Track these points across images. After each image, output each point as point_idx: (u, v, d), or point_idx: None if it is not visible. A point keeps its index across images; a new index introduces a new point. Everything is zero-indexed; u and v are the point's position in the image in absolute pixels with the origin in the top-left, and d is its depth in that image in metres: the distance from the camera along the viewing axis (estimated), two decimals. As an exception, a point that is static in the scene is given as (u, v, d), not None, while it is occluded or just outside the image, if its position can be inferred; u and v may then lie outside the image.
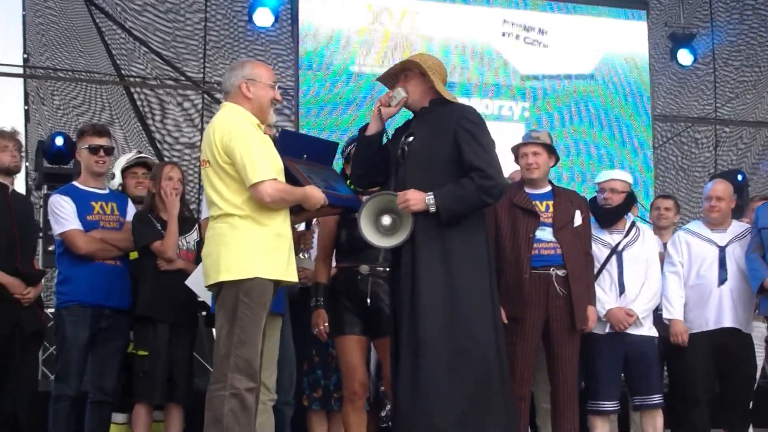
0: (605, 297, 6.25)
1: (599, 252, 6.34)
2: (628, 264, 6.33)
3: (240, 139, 4.67)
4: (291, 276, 4.84)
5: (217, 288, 4.73)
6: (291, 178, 4.85)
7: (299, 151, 5.02)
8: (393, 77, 5.22)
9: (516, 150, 6.14)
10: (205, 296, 5.40)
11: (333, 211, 5.29)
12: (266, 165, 4.67)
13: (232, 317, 4.62)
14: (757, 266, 6.44)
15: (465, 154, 4.85)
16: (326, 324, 5.71)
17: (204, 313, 6.32)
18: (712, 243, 6.69)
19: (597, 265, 6.31)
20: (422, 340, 4.76)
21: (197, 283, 5.45)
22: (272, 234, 4.74)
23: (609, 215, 6.43)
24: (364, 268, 5.65)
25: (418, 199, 4.82)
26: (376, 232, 4.95)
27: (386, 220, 4.92)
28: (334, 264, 5.93)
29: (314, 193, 4.80)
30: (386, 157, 5.14)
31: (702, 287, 6.61)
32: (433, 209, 4.80)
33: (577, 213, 6.05)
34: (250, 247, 4.67)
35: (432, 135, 4.97)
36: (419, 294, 4.81)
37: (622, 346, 6.25)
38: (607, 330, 6.24)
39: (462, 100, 5.47)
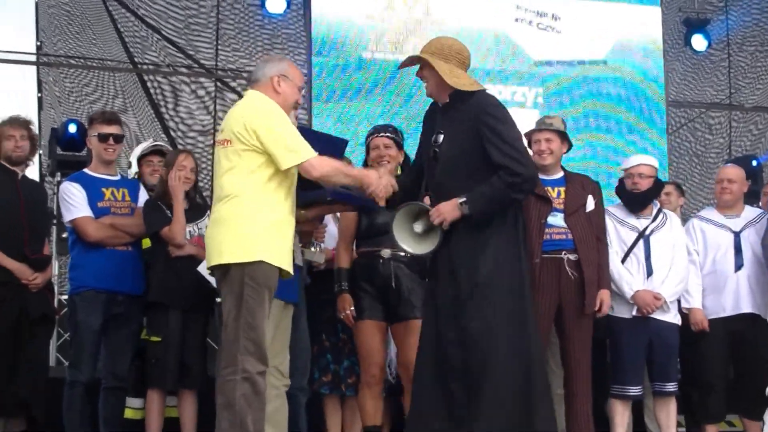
0: (632, 279, 6.26)
1: (626, 236, 6.37)
2: (655, 248, 6.34)
3: (277, 121, 4.73)
4: (290, 266, 4.85)
5: (221, 271, 4.72)
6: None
7: (314, 148, 5.03)
8: (411, 64, 5.16)
9: (529, 136, 6.12)
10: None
11: (344, 208, 5.36)
12: (306, 144, 4.72)
13: (238, 301, 4.63)
14: (775, 254, 6.45)
15: (491, 154, 4.81)
16: (352, 309, 5.75)
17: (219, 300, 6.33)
18: (726, 229, 6.68)
19: (624, 249, 6.33)
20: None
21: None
22: (279, 220, 4.76)
23: (639, 200, 6.43)
24: (386, 252, 5.72)
25: (450, 210, 4.82)
26: (410, 238, 4.97)
27: (418, 227, 4.95)
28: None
29: (371, 177, 4.87)
30: (418, 177, 5.19)
31: (718, 274, 6.61)
32: (467, 212, 4.80)
33: (590, 198, 6.04)
34: (258, 231, 4.67)
35: (459, 137, 4.92)
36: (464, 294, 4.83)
37: (647, 331, 6.27)
38: (633, 313, 6.25)
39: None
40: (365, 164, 6.06)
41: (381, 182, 4.87)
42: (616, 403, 6.30)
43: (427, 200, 5.08)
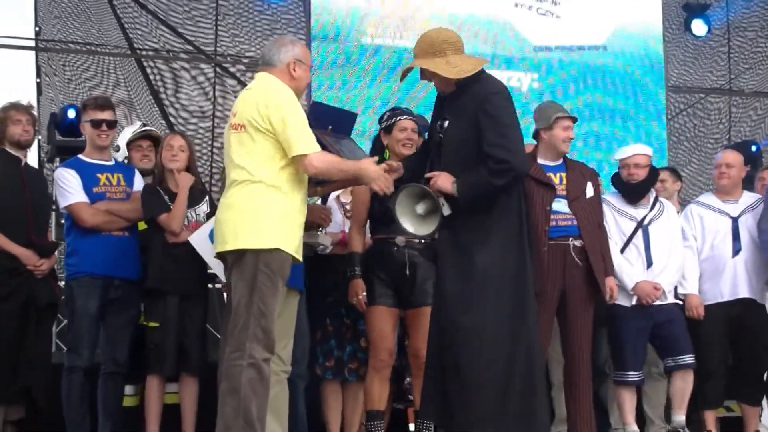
0: (632, 270, 6.29)
1: (624, 226, 6.38)
2: (654, 238, 6.37)
3: (290, 110, 4.70)
4: (300, 255, 4.86)
5: (234, 256, 4.71)
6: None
7: (324, 122, 5.03)
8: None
9: (553, 119, 6.05)
10: (209, 257, 5.42)
11: (359, 182, 5.29)
12: (312, 138, 4.70)
13: (251, 287, 4.62)
14: (771, 238, 6.45)
15: (482, 142, 4.80)
16: (364, 294, 5.77)
17: (218, 285, 6.33)
18: (724, 214, 6.68)
19: (623, 239, 6.34)
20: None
21: (202, 242, 5.47)
22: (295, 209, 4.77)
23: (637, 190, 6.44)
24: (400, 240, 5.74)
25: (444, 181, 4.83)
26: (412, 218, 4.98)
27: (420, 208, 4.95)
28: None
29: (369, 169, 4.81)
30: (424, 159, 5.18)
31: (716, 259, 6.63)
32: (456, 194, 4.81)
33: (589, 185, 6.05)
34: (274, 218, 4.67)
35: (463, 124, 4.91)
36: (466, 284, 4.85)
37: (648, 318, 6.30)
38: (633, 303, 6.27)
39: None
40: (380, 145, 6.05)
41: (381, 178, 4.82)
42: (624, 391, 6.33)
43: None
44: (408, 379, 6.39)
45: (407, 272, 5.71)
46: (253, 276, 4.62)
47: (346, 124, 5.32)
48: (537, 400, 4.81)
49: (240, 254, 4.66)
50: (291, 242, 4.73)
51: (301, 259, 4.88)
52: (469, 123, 4.86)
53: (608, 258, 6.09)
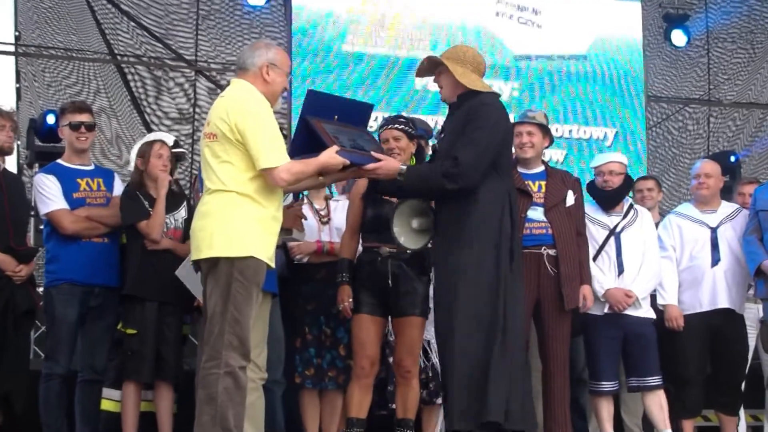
0: (604, 277, 6.27)
1: (597, 234, 6.36)
2: (626, 245, 6.34)
3: (257, 120, 4.66)
4: (273, 261, 4.85)
5: (209, 264, 4.69)
6: (315, 139, 4.82)
7: (329, 111, 4.96)
8: (428, 71, 5.29)
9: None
10: (196, 290, 5.37)
11: (360, 173, 5.24)
12: (280, 149, 4.67)
13: (225, 295, 4.60)
14: (755, 249, 6.46)
15: (455, 145, 4.89)
16: (351, 300, 5.75)
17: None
18: (703, 224, 6.70)
19: (596, 247, 6.33)
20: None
21: (188, 275, 5.42)
22: (269, 216, 4.75)
23: (611, 197, 6.44)
24: (384, 250, 5.69)
25: (387, 169, 4.90)
26: (406, 231, 5.02)
27: (414, 223, 5.02)
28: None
29: (330, 162, 4.75)
30: None
31: (695, 269, 6.63)
32: (400, 179, 4.91)
33: (570, 193, 6.05)
34: (248, 226, 4.65)
35: (455, 135, 4.99)
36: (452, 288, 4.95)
37: (620, 327, 6.27)
38: (605, 311, 6.26)
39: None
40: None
41: (339, 160, 4.77)
42: (600, 400, 6.32)
43: None
44: (389, 387, 6.40)
45: (389, 283, 5.70)
46: (227, 284, 4.60)
47: (357, 115, 5.20)
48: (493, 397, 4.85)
49: (214, 262, 4.64)
50: (265, 250, 4.72)
51: (273, 265, 4.87)
52: (458, 136, 4.94)
53: (587, 266, 6.10)
